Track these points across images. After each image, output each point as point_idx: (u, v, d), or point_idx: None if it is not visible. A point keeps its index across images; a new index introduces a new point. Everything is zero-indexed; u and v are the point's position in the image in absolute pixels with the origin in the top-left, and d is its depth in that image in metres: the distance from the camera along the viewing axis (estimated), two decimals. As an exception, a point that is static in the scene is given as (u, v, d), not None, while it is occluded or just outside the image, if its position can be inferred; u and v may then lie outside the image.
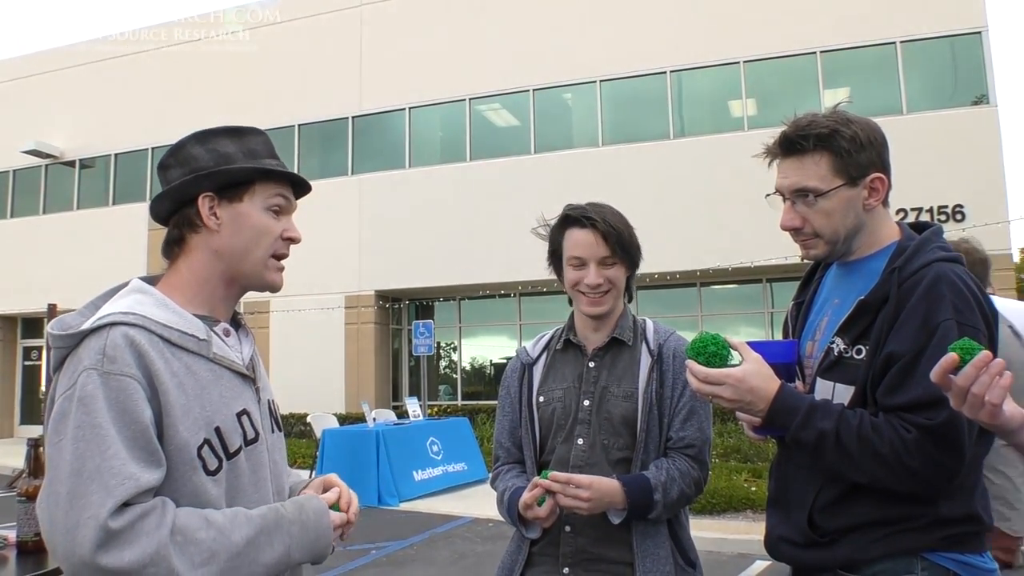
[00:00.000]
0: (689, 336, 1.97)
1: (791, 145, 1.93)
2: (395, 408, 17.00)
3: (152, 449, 1.46)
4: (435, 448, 11.76)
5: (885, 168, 1.93)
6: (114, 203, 22.09)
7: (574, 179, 16.53)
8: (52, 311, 15.18)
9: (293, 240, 1.74)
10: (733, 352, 1.84)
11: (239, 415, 1.63)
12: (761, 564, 6.93)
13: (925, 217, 14.11)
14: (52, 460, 1.45)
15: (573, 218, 2.36)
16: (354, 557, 6.88)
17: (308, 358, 18.55)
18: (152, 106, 21.29)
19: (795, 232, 1.98)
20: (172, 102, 20.95)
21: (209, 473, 1.54)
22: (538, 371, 2.45)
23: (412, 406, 13.13)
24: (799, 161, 1.93)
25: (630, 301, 2.48)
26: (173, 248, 1.70)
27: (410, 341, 17.85)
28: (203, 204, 1.65)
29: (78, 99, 22.51)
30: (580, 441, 2.30)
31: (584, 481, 2.15)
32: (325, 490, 1.78)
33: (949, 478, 1.73)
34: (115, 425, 1.44)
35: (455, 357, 20.76)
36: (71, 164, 22.99)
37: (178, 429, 1.50)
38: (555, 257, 2.41)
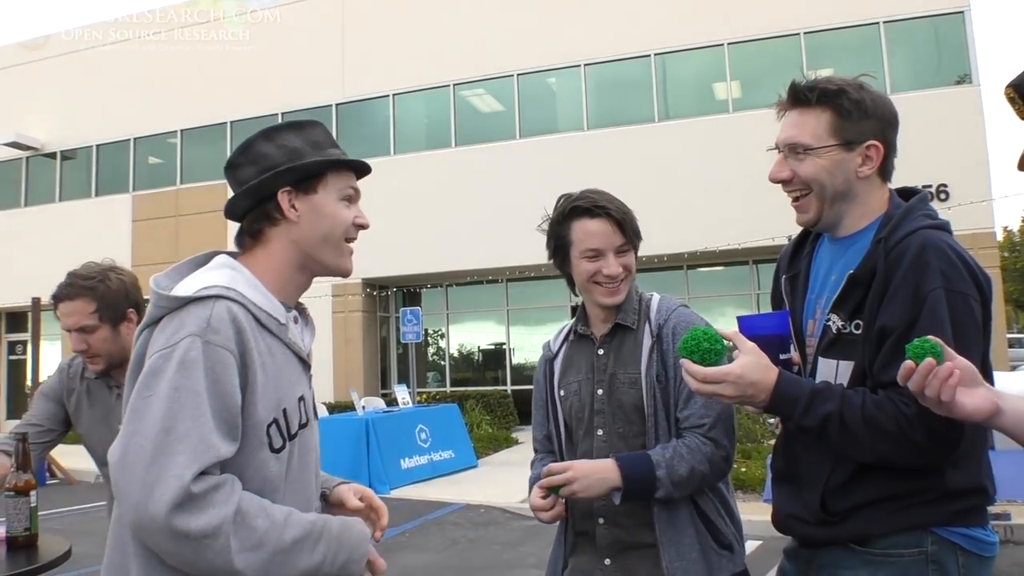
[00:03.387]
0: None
1: (797, 95, 1.92)
2: (384, 396, 17.00)
3: (234, 424, 1.53)
4: (423, 436, 11.76)
5: (886, 142, 1.90)
6: (97, 195, 21.93)
7: (559, 164, 16.48)
8: (36, 305, 15.07)
9: (363, 226, 1.84)
10: (726, 343, 1.80)
11: (299, 400, 1.71)
12: (752, 544, 6.96)
13: (909, 197, 14.14)
14: (138, 413, 1.49)
15: (583, 208, 2.28)
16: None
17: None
18: (134, 96, 21.11)
19: (785, 185, 1.97)
20: (154, 92, 20.80)
21: (273, 451, 1.61)
22: (558, 365, 2.43)
23: (401, 393, 13.13)
24: (800, 115, 1.92)
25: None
26: (247, 239, 1.77)
27: (398, 328, 17.83)
28: (283, 199, 1.72)
29: (59, 90, 22.28)
30: (600, 432, 2.28)
31: (560, 466, 2.15)
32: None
33: (951, 449, 1.73)
34: (209, 393, 1.49)
35: (443, 344, 20.74)
36: (52, 156, 22.77)
37: (257, 407, 1.58)
38: (560, 251, 2.34)
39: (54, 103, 22.37)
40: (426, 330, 19.59)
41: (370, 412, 11.98)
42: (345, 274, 1.83)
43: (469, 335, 20.90)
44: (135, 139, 21.27)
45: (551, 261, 2.40)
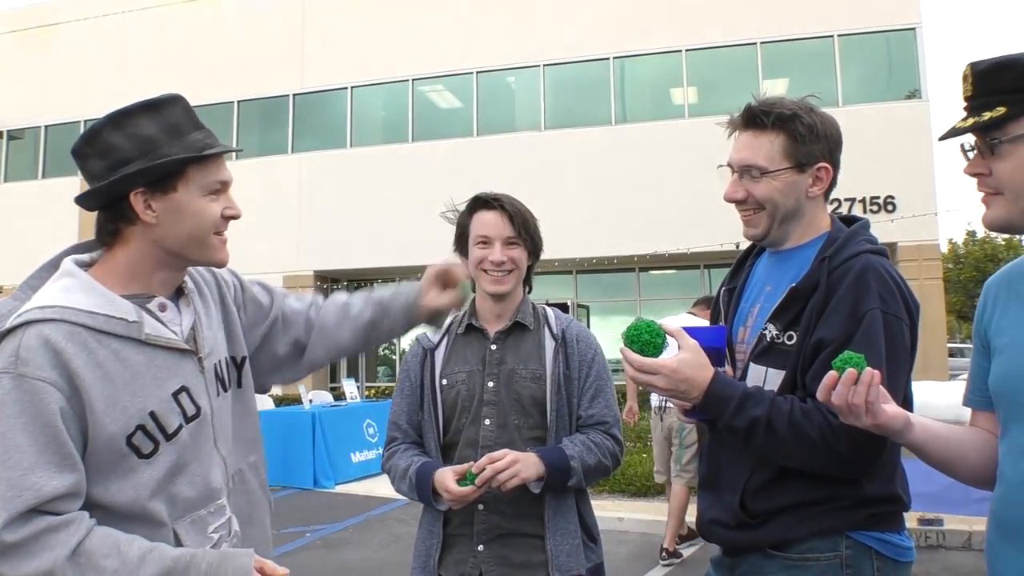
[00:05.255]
0: (624, 323, 1.98)
1: (752, 118, 1.97)
2: (332, 390, 16.89)
3: (65, 453, 1.43)
4: (371, 431, 11.69)
5: (834, 163, 1.99)
6: (44, 176, 21.47)
7: (516, 162, 16.52)
8: (-23, 287, 14.73)
9: (234, 217, 1.67)
10: (669, 339, 1.86)
11: (176, 394, 1.59)
12: (693, 546, 7.05)
13: (858, 207, 14.47)
14: None
15: (483, 200, 2.47)
16: (289, 540, 6.84)
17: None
18: (86, 77, 20.70)
19: (738, 204, 2.03)
20: (107, 74, 20.41)
21: (142, 457, 1.52)
22: (440, 355, 2.53)
23: (349, 387, 13.04)
24: (755, 137, 1.97)
25: (530, 291, 2.58)
26: (107, 238, 1.62)
27: (349, 322, 17.71)
28: (136, 201, 1.56)
29: (8, 68, 21.77)
30: (488, 421, 2.39)
31: (500, 454, 2.24)
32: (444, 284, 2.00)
33: (872, 460, 1.81)
34: (25, 431, 1.40)
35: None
36: (-2, 135, 22.26)
37: (104, 424, 1.47)
38: (461, 240, 2.51)
39: (3, 81, 21.84)
40: (377, 325, 19.48)
41: (316, 406, 11.88)
42: (219, 266, 1.71)
43: (420, 330, 20.80)
44: (85, 121, 20.84)
45: (455, 249, 2.55)
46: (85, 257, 1.65)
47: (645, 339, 1.83)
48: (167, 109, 1.62)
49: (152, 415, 1.53)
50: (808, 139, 1.93)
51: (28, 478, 1.38)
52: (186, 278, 1.74)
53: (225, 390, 1.75)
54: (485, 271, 2.41)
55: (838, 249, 1.91)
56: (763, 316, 1.99)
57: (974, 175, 1.56)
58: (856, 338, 1.77)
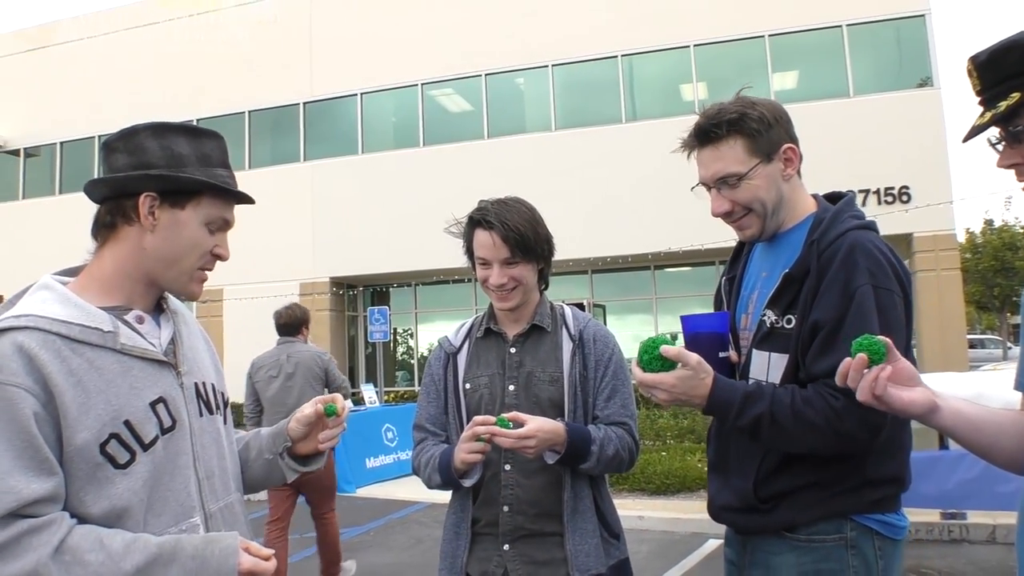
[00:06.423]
0: (645, 333, 2.01)
1: (705, 134, 2.06)
2: (352, 395, 16.94)
3: (41, 458, 1.44)
4: (390, 435, 11.73)
5: (794, 140, 2.07)
6: (61, 192, 21.64)
7: (527, 164, 16.53)
8: (-3, 303, 14.85)
9: (221, 258, 1.73)
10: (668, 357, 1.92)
11: (153, 404, 1.60)
12: (714, 543, 7.03)
13: (872, 199, 14.36)
14: None
15: (476, 220, 2.43)
16: (311, 544, 6.85)
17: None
18: (99, 94, 20.87)
19: (727, 216, 2.10)
20: (119, 89, 20.56)
21: (119, 467, 1.52)
22: (462, 359, 2.54)
23: (368, 392, 13.09)
24: (716, 149, 2.06)
25: (545, 289, 2.55)
26: (102, 231, 1.67)
27: (366, 328, 17.79)
28: (143, 203, 1.61)
29: (22, 86, 21.99)
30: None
31: (524, 418, 2.22)
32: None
33: (878, 432, 1.86)
34: (1, 437, 1.42)
35: (412, 343, 20.69)
36: (15, 153, 22.46)
37: (76, 430, 1.48)
38: (469, 254, 2.50)
39: (18, 100, 22.07)
40: (395, 329, 19.56)
41: (336, 411, 11.93)
42: (191, 299, 1.74)
43: (438, 334, 20.63)
44: (99, 136, 21.00)
45: (468, 262, 2.54)
46: (73, 268, 1.71)
47: (645, 359, 1.91)
48: (205, 140, 1.71)
49: (127, 424, 1.54)
50: (763, 130, 2.01)
51: (6, 482, 1.40)
52: (169, 300, 1.78)
53: (211, 413, 1.76)
54: (491, 289, 2.42)
55: (824, 231, 1.97)
56: (761, 302, 2.06)
57: (1010, 167, 1.52)
58: (849, 316, 1.85)
